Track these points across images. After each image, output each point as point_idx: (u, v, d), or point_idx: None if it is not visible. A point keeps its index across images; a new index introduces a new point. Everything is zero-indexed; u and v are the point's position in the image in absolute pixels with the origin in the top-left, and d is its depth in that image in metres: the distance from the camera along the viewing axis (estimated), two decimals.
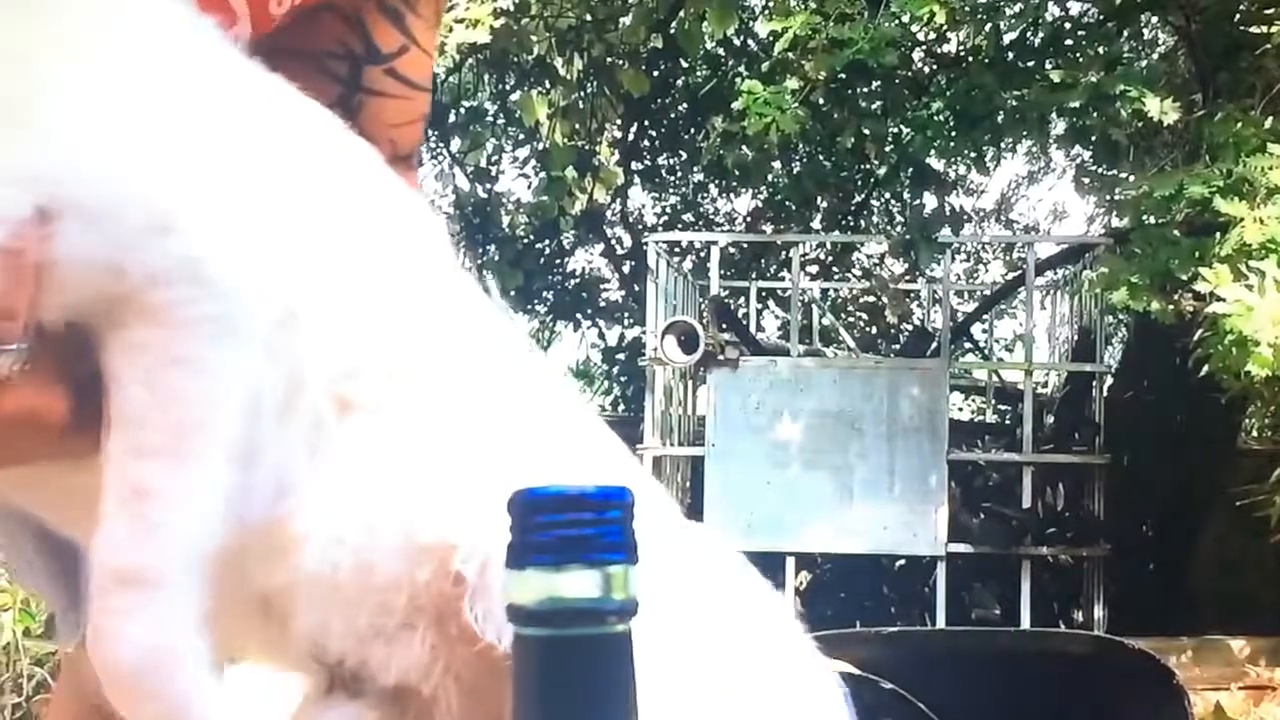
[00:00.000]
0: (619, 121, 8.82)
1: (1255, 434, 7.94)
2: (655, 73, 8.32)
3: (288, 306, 1.01)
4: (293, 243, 1.04)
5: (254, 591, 1.06)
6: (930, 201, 7.26)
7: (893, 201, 9.24)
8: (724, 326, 6.90)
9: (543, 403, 1.16)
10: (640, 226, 9.91)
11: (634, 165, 9.69)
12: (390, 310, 1.10)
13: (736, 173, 8.83)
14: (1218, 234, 4.88)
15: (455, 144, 9.12)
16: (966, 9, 6.15)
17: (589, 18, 7.08)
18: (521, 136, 9.20)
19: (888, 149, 7.10)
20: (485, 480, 1.04)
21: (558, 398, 1.20)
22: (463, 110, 8.94)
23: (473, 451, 1.07)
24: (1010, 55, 6.52)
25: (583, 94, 7.48)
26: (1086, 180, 8.16)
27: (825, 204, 9.42)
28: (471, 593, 1.04)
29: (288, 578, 1.04)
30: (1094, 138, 6.43)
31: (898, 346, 9.25)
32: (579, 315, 10.49)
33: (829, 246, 9.96)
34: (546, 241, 9.82)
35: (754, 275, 8.72)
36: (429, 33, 1.50)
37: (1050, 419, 7.55)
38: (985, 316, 9.61)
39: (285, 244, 1.04)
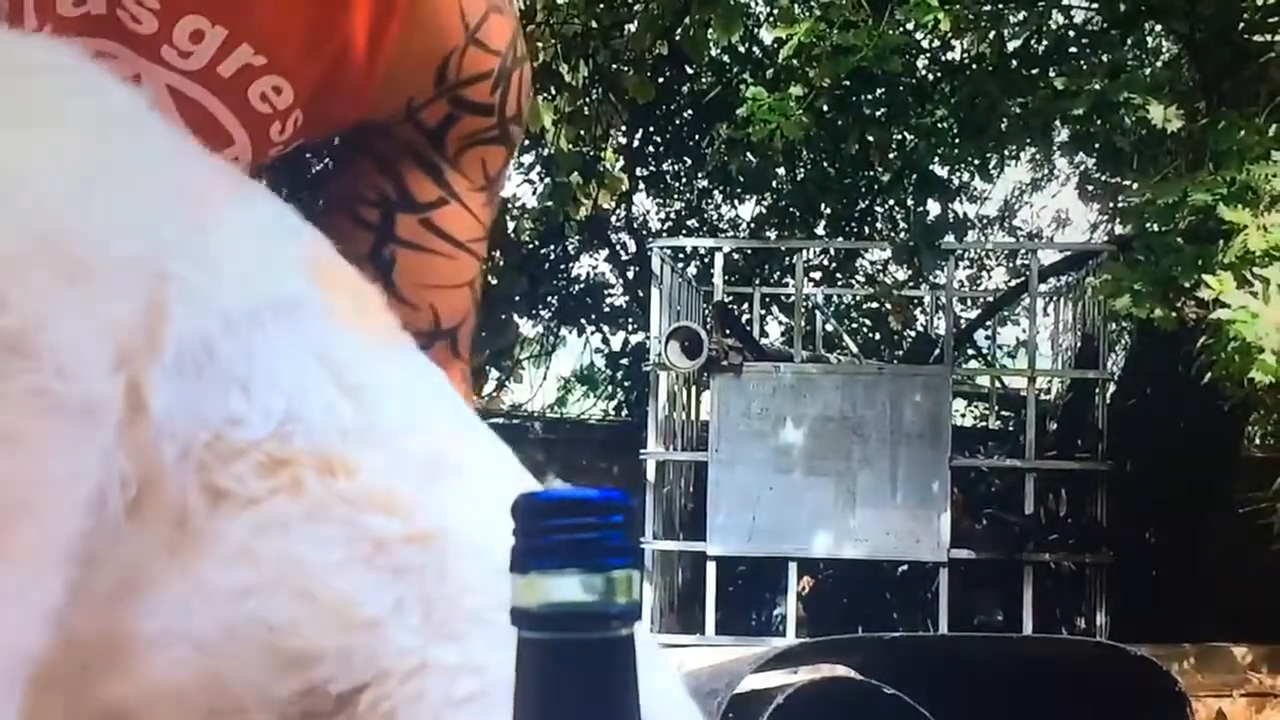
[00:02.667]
0: (624, 128, 8.82)
1: (1258, 441, 7.93)
2: (660, 79, 8.32)
3: (137, 385, 0.94)
4: (144, 309, 0.97)
5: (96, 706, 0.97)
6: (934, 208, 7.26)
7: (896, 208, 9.24)
8: (727, 332, 6.91)
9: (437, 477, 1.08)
10: (645, 232, 9.92)
11: (639, 171, 9.69)
12: (274, 383, 1.04)
13: (741, 179, 8.86)
14: (1221, 241, 4.87)
15: None
16: (971, 16, 6.15)
17: (594, 25, 7.09)
18: (527, 142, 9.21)
19: (892, 155, 7.11)
20: (376, 581, 0.99)
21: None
22: None
23: (362, 546, 1.01)
24: (1014, 63, 6.52)
25: (588, 100, 7.48)
26: (1090, 187, 8.18)
27: (829, 210, 9.42)
28: None
29: (133, 689, 0.96)
30: (1097, 145, 6.43)
31: (901, 353, 9.26)
32: (583, 320, 10.49)
33: (832, 253, 9.96)
34: (551, 247, 9.83)
35: (758, 281, 8.72)
36: (475, 195, 1.42)
37: (1053, 425, 7.56)
38: (988, 323, 9.59)
39: (136, 311, 0.96)
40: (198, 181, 1.09)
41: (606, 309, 10.51)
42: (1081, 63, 6.42)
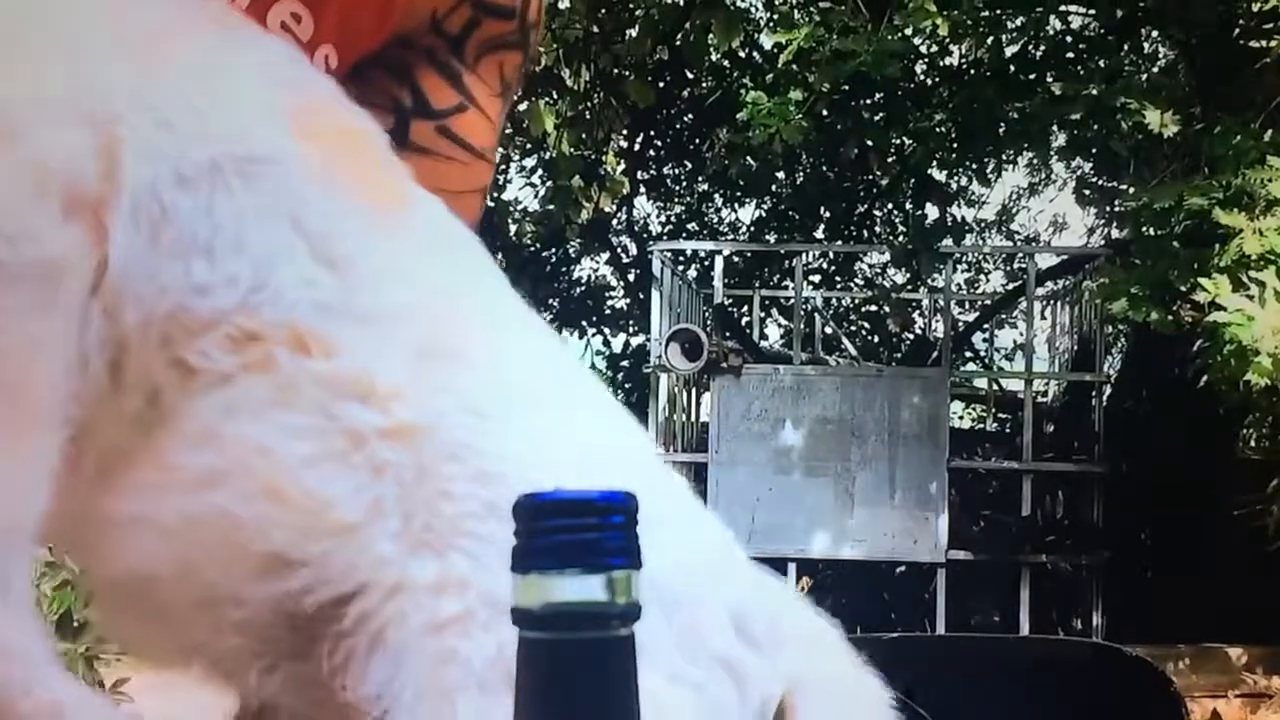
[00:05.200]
0: (625, 132, 8.83)
1: (1253, 443, 7.95)
2: (661, 84, 8.34)
3: (96, 231, 0.90)
4: (125, 183, 0.92)
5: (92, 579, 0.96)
6: (932, 212, 7.31)
7: (895, 212, 9.27)
8: (727, 335, 6.95)
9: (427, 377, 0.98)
10: (645, 235, 9.94)
11: (640, 175, 9.70)
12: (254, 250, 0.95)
13: (741, 183, 8.89)
14: (1217, 245, 4.90)
15: None
16: (969, 22, 6.17)
17: (596, 30, 7.11)
18: (529, 146, 9.24)
19: (890, 160, 7.15)
20: (352, 481, 0.92)
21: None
22: None
23: (336, 439, 0.93)
24: (1012, 68, 6.53)
25: (590, 105, 7.50)
26: (1087, 192, 8.19)
27: (828, 214, 9.45)
28: (332, 644, 0.92)
29: (114, 571, 0.94)
30: (1094, 150, 6.47)
31: (899, 355, 9.29)
32: (584, 323, 10.51)
33: (832, 256, 9.98)
34: (553, 250, 9.86)
35: (757, 284, 8.75)
36: (493, 100, 1.37)
37: (1050, 428, 7.58)
38: (986, 326, 9.64)
39: (107, 183, 0.90)
40: (154, 23, 0.99)
41: (607, 311, 10.54)
42: (1079, 68, 6.44)
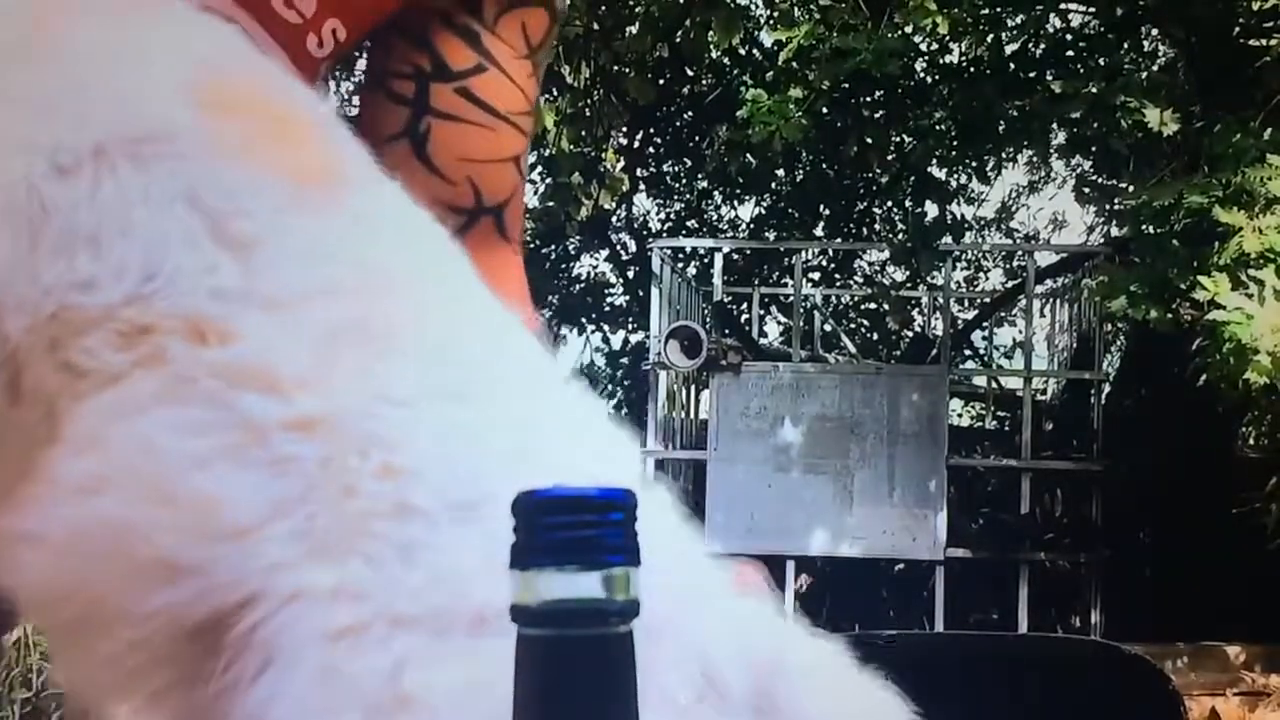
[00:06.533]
0: (625, 129, 8.85)
1: (1252, 442, 7.97)
2: (661, 81, 8.34)
3: None
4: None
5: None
6: (932, 210, 7.30)
7: (894, 209, 9.26)
8: (727, 332, 6.95)
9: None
10: (645, 232, 9.94)
11: (639, 172, 9.72)
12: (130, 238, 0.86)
13: (740, 180, 8.90)
14: (1216, 243, 4.90)
15: None
16: (969, 20, 6.18)
17: (596, 27, 7.11)
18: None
19: (890, 157, 7.15)
20: (247, 480, 0.83)
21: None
22: None
23: (231, 434, 0.84)
24: (1012, 66, 6.54)
25: (589, 101, 7.50)
26: (1086, 190, 8.21)
27: (828, 211, 9.46)
28: (227, 661, 0.82)
29: (18, 592, 0.88)
30: (1094, 148, 6.48)
31: (898, 353, 9.30)
32: (584, 319, 10.53)
33: (831, 253, 9.99)
34: (552, 246, 9.87)
35: (757, 281, 8.76)
36: (516, 62, 1.31)
37: (1049, 425, 7.60)
38: (985, 324, 9.65)
39: None
40: (46, 5, 0.93)
41: (607, 308, 10.55)
42: (1078, 66, 6.45)
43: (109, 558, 0.83)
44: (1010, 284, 10.02)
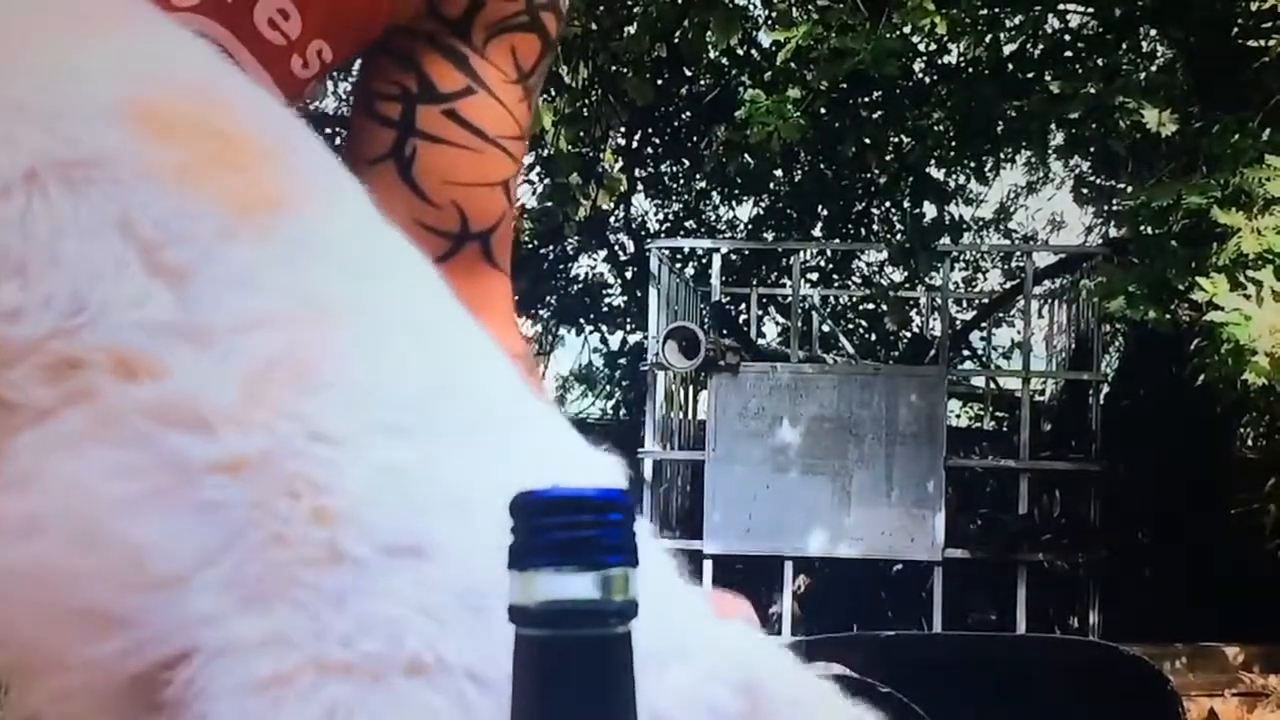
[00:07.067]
0: (623, 129, 8.85)
1: (1250, 442, 7.97)
2: (659, 81, 8.35)
3: None
4: None
5: None
6: (930, 210, 7.30)
7: (893, 210, 9.26)
8: (725, 332, 6.95)
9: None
10: (643, 233, 9.94)
11: (637, 172, 9.72)
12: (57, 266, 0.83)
13: (739, 180, 8.90)
14: (1215, 244, 4.91)
15: None
16: (967, 20, 6.18)
17: (594, 27, 7.12)
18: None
19: (888, 158, 7.15)
20: (175, 526, 0.79)
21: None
22: None
23: (160, 476, 0.80)
24: (1010, 66, 6.54)
25: (587, 102, 7.51)
26: (1085, 190, 8.22)
27: (826, 212, 9.47)
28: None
29: None
30: (1092, 149, 6.49)
31: (897, 353, 9.30)
32: (582, 320, 10.54)
33: (829, 254, 10.00)
34: (550, 247, 9.86)
35: (755, 282, 8.76)
36: (506, 86, 1.30)
37: (1047, 426, 7.60)
38: (983, 324, 9.66)
39: None
40: None
41: (605, 309, 10.56)
42: (1077, 67, 6.45)
43: (39, 604, 0.80)
44: (1009, 285, 10.03)
